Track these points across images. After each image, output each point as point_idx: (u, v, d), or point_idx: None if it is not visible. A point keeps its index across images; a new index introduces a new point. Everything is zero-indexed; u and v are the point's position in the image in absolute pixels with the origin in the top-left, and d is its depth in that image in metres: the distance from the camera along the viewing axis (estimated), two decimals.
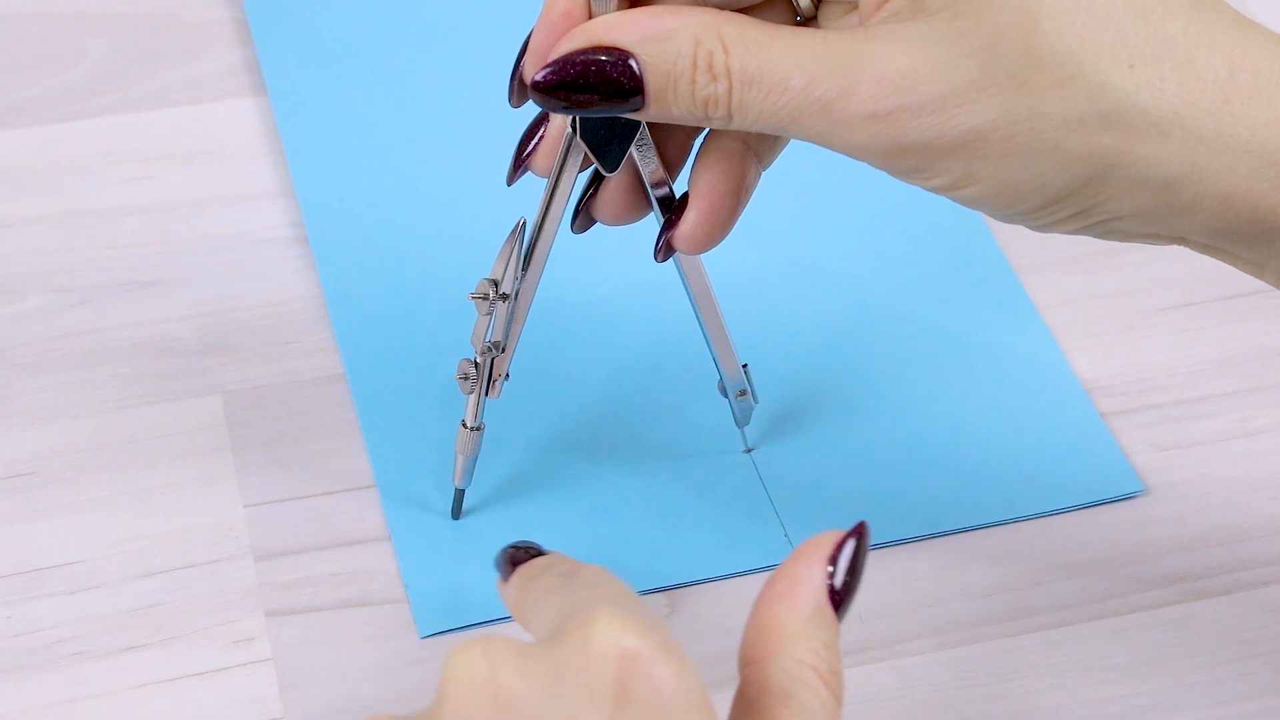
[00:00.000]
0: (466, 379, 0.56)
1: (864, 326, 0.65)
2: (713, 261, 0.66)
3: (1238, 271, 0.66)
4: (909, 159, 0.46)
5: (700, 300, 0.57)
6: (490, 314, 0.54)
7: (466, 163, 0.70)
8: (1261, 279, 0.49)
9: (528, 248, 0.54)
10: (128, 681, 0.55)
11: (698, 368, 0.63)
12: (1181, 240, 0.49)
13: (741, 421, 0.60)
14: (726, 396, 0.60)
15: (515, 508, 0.59)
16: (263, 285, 0.66)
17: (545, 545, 0.58)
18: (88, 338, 0.64)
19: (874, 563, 0.58)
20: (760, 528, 0.59)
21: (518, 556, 0.51)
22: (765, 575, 0.58)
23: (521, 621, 0.49)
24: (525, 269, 0.54)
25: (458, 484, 0.59)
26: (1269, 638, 0.57)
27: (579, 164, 0.52)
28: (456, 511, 0.59)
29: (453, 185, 0.69)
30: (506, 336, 0.55)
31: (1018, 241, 0.68)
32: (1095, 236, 0.49)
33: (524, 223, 0.53)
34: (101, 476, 0.60)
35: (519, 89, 0.50)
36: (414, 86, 0.73)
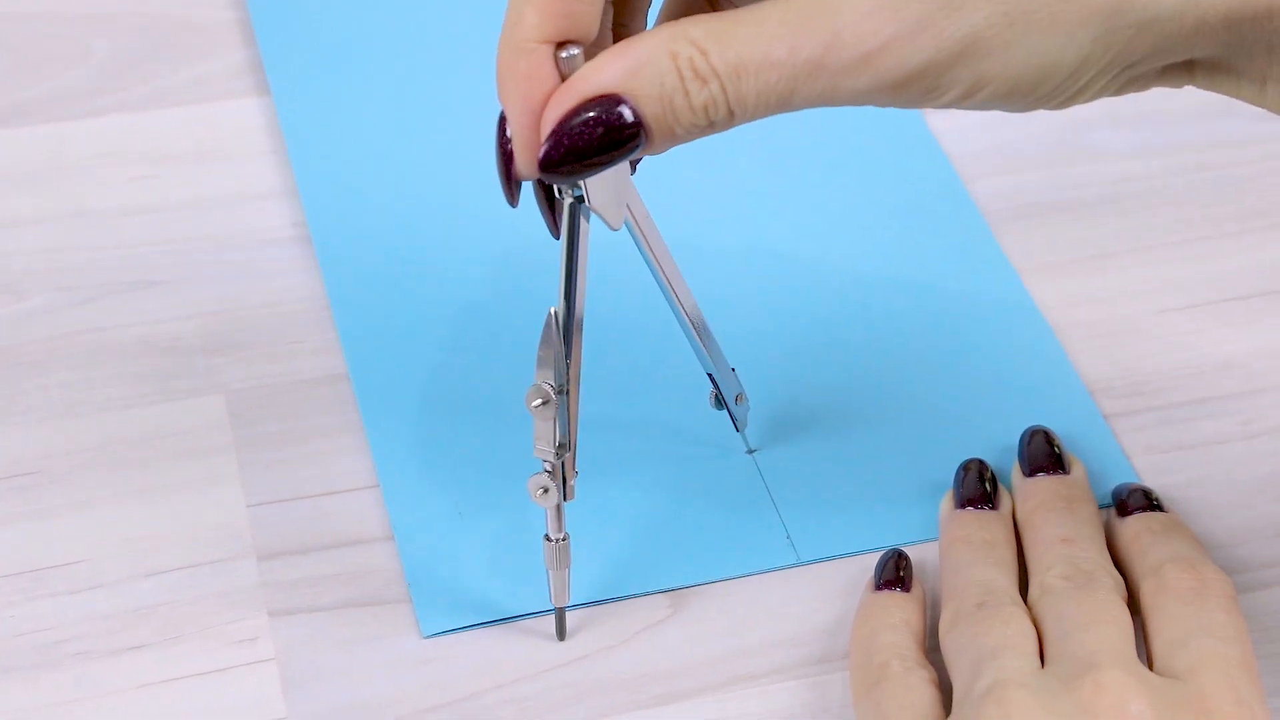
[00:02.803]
0: (547, 491, 0.53)
1: (866, 327, 0.65)
2: (724, 266, 0.66)
3: (1239, 274, 0.66)
4: (916, 85, 0.46)
5: (681, 298, 0.56)
6: (554, 418, 0.52)
7: (470, 163, 0.70)
8: (1263, 104, 0.49)
9: (565, 334, 0.51)
10: (131, 681, 0.55)
11: (700, 370, 0.63)
12: (1189, 72, 0.49)
13: (740, 425, 0.60)
14: (722, 407, 0.60)
15: (519, 508, 0.59)
16: (266, 285, 0.66)
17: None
18: (91, 337, 0.64)
19: None
20: (763, 529, 0.59)
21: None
22: (768, 577, 0.58)
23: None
24: (569, 356, 0.51)
25: (558, 603, 0.56)
26: (1272, 639, 0.57)
27: (588, 232, 0.50)
28: (561, 633, 0.56)
29: (456, 185, 0.70)
30: (570, 432, 0.52)
31: (1021, 243, 0.68)
32: (1113, 95, 0.49)
33: (553, 312, 0.51)
34: (105, 476, 0.60)
35: (515, 187, 0.49)
36: (417, 86, 0.73)
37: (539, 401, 0.51)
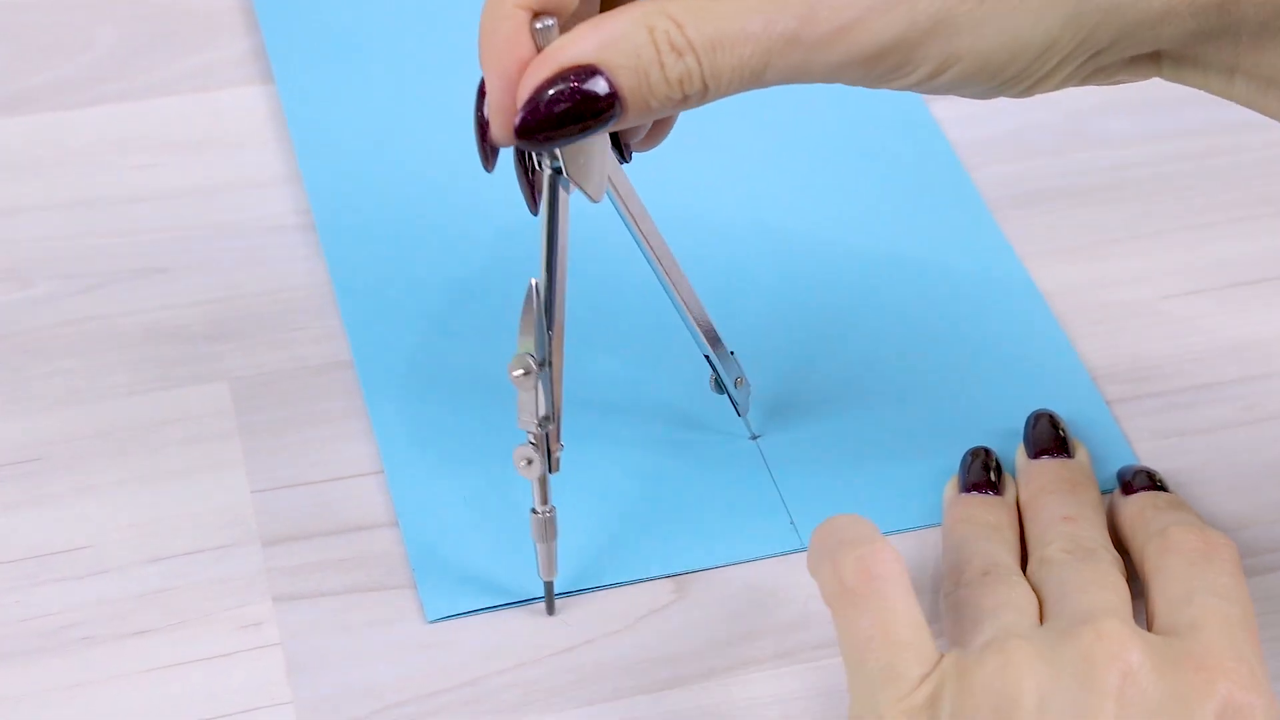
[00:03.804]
0: (531, 463, 0.53)
1: (869, 313, 0.65)
2: (728, 253, 0.66)
3: (1243, 260, 0.66)
4: (887, 60, 0.46)
5: (672, 278, 0.56)
6: (535, 388, 0.52)
7: (473, 149, 0.70)
8: (1230, 96, 0.50)
9: (547, 306, 0.52)
10: (136, 666, 0.55)
11: (702, 356, 0.63)
12: (1155, 63, 0.49)
13: (742, 410, 0.60)
14: (723, 392, 0.60)
15: (523, 493, 0.59)
16: (270, 272, 0.66)
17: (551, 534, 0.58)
18: (96, 324, 0.64)
19: None
20: (766, 514, 0.59)
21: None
22: (772, 562, 0.58)
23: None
24: (550, 328, 0.52)
25: (545, 576, 0.56)
26: (1276, 623, 0.57)
27: (567, 203, 0.51)
28: (550, 607, 0.57)
29: (459, 172, 0.69)
30: (555, 404, 0.53)
31: (1024, 229, 0.68)
32: (1078, 85, 0.49)
33: (534, 284, 0.51)
34: (109, 462, 0.60)
35: (491, 152, 0.50)
36: (420, 73, 0.73)
37: (520, 372, 0.52)
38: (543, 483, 0.54)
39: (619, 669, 0.55)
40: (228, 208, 0.69)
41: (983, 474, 0.59)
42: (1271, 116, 0.50)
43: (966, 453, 0.60)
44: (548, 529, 0.55)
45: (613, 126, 0.46)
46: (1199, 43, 0.49)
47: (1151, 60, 0.50)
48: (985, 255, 0.68)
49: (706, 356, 0.59)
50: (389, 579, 0.57)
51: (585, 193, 0.51)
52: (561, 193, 0.51)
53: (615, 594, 0.57)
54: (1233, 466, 0.61)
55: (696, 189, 0.69)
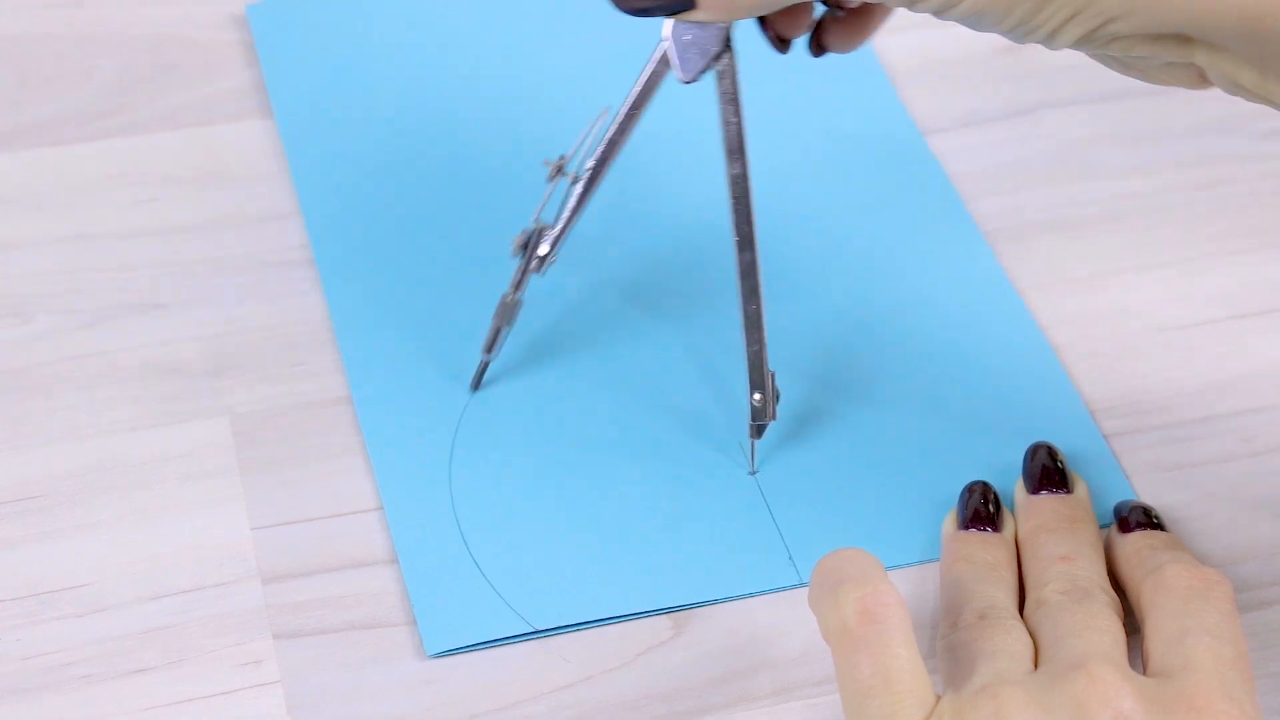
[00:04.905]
0: (524, 248, 0.60)
1: (865, 346, 0.65)
2: (724, 286, 0.66)
3: (1240, 292, 0.66)
4: None
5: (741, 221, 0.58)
6: (553, 188, 0.58)
7: (472, 185, 0.71)
8: (1269, 97, 0.49)
9: (608, 134, 0.57)
10: (137, 704, 0.55)
11: (704, 393, 0.63)
12: (1184, 45, 0.49)
13: (760, 427, 0.61)
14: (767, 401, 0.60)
15: (520, 528, 0.60)
16: (270, 307, 0.66)
17: (550, 568, 0.58)
18: (96, 359, 0.65)
19: None
20: (764, 550, 0.59)
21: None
22: (770, 598, 0.58)
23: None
24: (602, 157, 0.57)
25: (484, 354, 0.62)
26: (1273, 658, 0.57)
27: (658, 74, 0.56)
28: (476, 383, 0.63)
29: (459, 208, 0.70)
30: (560, 216, 0.58)
31: (1021, 262, 0.69)
32: (1099, 51, 0.49)
33: (608, 111, 0.57)
34: (110, 498, 0.60)
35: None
36: (419, 109, 0.74)
37: (549, 169, 0.58)
38: (522, 273, 0.60)
39: (617, 705, 0.56)
40: (227, 242, 0.69)
41: (981, 509, 0.59)
42: None
43: (964, 488, 0.60)
44: (508, 314, 0.61)
45: (691, 17, 0.52)
46: (1224, 37, 0.48)
47: (1180, 42, 0.49)
48: (982, 287, 0.68)
49: (754, 351, 0.59)
50: (389, 616, 0.58)
51: (675, 66, 0.55)
52: (659, 62, 0.56)
53: (613, 630, 0.57)
54: (1231, 500, 0.61)
55: (683, 220, 0.69)
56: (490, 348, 0.62)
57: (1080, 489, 0.59)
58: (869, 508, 0.61)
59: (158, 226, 0.69)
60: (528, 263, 0.60)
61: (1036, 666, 0.53)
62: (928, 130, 0.73)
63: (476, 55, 0.76)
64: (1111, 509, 0.60)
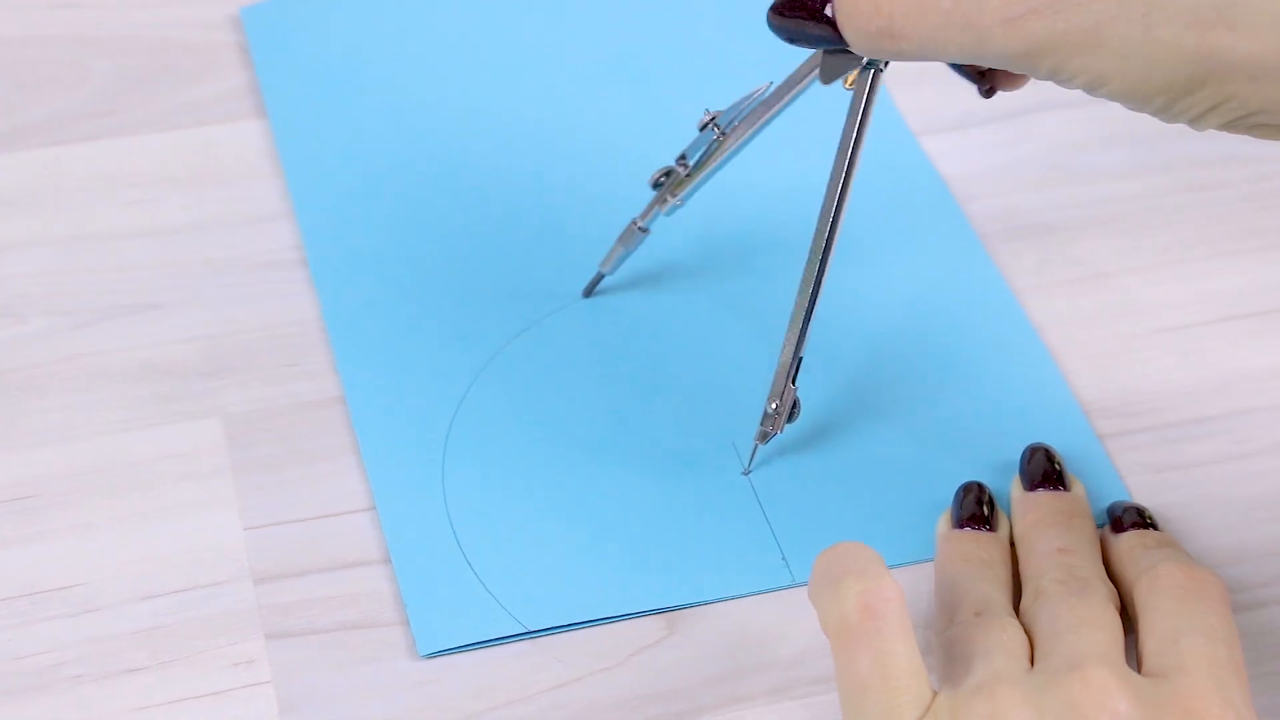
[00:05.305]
0: (658, 185, 0.62)
1: (861, 347, 0.65)
2: (721, 285, 0.66)
3: (1234, 294, 0.66)
4: (1045, 60, 0.49)
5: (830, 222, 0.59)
6: (701, 133, 0.60)
7: (466, 186, 0.71)
8: None
9: (757, 102, 0.59)
10: (129, 704, 0.55)
11: (698, 395, 0.63)
12: None
13: (761, 435, 0.60)
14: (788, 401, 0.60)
15: (513, 528, 0.60)
16: (263, 308, 0.66)
17: (543, 568, 0.58)
18: (90, 360, 0.65)
19: None
20: (758, 550, 0.59)
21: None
22: (764, 598, 0.58)
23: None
24: (742, 120, 0.59)
25: (603, 269, 0.65)
26: (1268, 658, 0.57)
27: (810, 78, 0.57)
28: (589, 290, 0.66)
29: (453, 208, 0.70)
30: (695, 161, 0.61)
31: (1016, 263, 0.69)
32: (1243, 134, 0.50)
33: (769, 85, 0.59)
34: (103, 499, 0.60)
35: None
36: (414, 110, 0.74)
37: (705, 117, 0.60)
38: (651, 206, 0.63)
39: (610, 706, 0.56)
40: (222, 243, 0.69)
41: (976, 509, 0.59)
42: None
43: (959, 487, 0.60)
44: (631, 239, 0.64)
45: (837, 46, 0.53)
46: None
47: None
48: (977, 288, 0.68)
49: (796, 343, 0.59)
50: (381, 616, 0.58)
51: (818, 70, 0.56)
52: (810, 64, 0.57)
53: (606, 630, 0.57)
54: (1225, 500, 0.61)
55: (684, 219, 0.69)
56: (607, 263, 0.65)
57: (1077, 488, 0.60)
58: (863, 508, 0.61)
59: (152, 227, 0.69)
60: (660, 200, 0.62)
61: (1033, 662, 0.53)
62: (921, 132, 0.73)
63: (469, 57, 0.76)
64: (1105, 510, 0.60)
